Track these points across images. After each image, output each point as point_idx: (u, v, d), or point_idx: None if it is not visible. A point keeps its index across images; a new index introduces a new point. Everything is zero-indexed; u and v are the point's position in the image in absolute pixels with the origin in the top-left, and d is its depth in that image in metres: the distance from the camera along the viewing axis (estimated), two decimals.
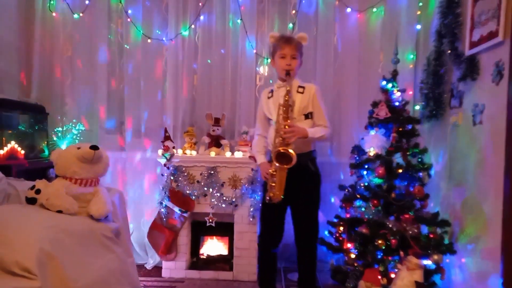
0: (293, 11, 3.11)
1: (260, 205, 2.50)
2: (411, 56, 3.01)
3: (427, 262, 2.28)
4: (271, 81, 3.22)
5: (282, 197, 2.20)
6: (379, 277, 2.30)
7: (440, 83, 2.55)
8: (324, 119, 2.33)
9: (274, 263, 2.51)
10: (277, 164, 2.13)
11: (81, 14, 3.15)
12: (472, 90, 2.26)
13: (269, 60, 3.16)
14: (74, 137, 3.05)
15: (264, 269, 2.50)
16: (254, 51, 3.14)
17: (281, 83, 2.36)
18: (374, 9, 3.05)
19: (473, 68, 2.21)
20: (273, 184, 2.20)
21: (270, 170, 2.21)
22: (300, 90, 2.31)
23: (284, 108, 2.18)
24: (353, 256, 2.44)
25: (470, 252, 2.23)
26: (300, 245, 2.42)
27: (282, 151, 2.12)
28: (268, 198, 2.25)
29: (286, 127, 2.15)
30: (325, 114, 2.34)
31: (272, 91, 2.41)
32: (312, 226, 2.40)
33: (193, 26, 3.16)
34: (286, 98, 2.18)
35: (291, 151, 2.10)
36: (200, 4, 3.13)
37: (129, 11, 3.17)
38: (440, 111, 2.58)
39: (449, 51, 2.41)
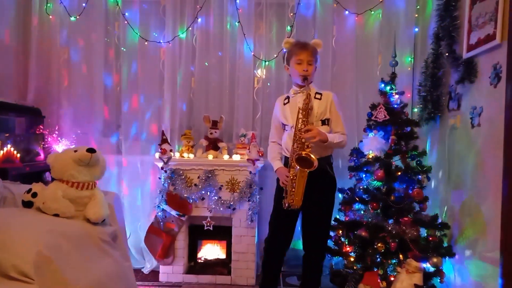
0: (291, 14, 3.11)
1: (273, 211, 2.44)
2: (409, 59, 3.03)
3: (426, 265, 2.27)
4: (268, 84, 3.22)
5: (301, 203, 2.16)
6: (379, 280, 2.29)
7: (438, 86, 2.56)
8: (342, 126, 2.34)
9: (279, 269, 2.46)
10: (297, 167, 2.10)
11: (78, 17, 3.13)
12: (470, 92, 2.27)
13: (267, 63, 3.17)
14: (70, 140, 3.03)
15: (268, 274, 2.45)
16: (252, 53, 3.14)
17: (297, 89, 2.34)
18: (372, 12, 3.06)
19: (471, 70, 2.22)
20: (293, 190, 2.16)
21: (290, 175, 2.18)
22: (318, 96, 2.30)
23: (304, 112, 2.17)
24: (352, 259, 2.43)
25: (469, 254, 2.22)
26: (310, 251, 2.36)
27: (303, 155, 2.09)
28: (287, 204, 2.20)
29: (306, 130, 2.12)
30: (342, 121, 2.35)
31: (288, 98, 2.39)
32: (325, 232, 2.36)
33: (190, 28, 3.16)
34: (307, 102, 2.17)
35: (312, 155, 2.08)
36: (198, 6, 3.13)
37: (126, 14, 3.16)
38: (439, 114, 2.59)
39: (447, 54, 2.42)
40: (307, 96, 2.18)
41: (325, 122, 2.31)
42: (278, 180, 2.38)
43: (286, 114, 2.35)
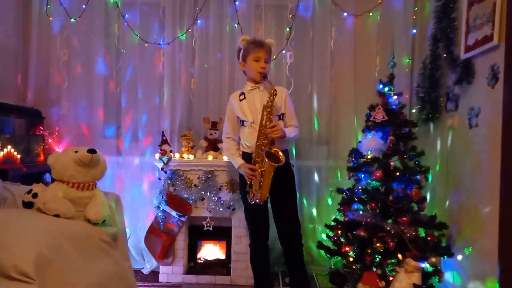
0: (290, 16, 3.13)
1: (244, 208, 2.54)
2: (407, 60, 3.04)
3: (425, 265, 2.28)
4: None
5: (268, 196, 2.28)
6: (378, 280, 2.30)
7: (436, 87, 2.57)
8: (295, 119, 2.50)
9: (268, 265, 2.53)
10: (266, 160, 2.20)
11: (77, 19, 3.14)
12: (468, 93, 2.28)
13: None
14: (70, 141, 3.04)
15: (259, 272, 2.51)
16: None
17: (253, 85, 2.46)
18: (370, 14, 3.08)
19: (469, 71, 2.24)
20: (261, 184, 2.25)
21: (257, 170, 2.26)
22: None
23: (269, 109, 2.27)
24: (351, 259, 2.44)
25: (467, 254, 2.23)
26: (287, 244, 2.48)
27: (273, 151, 2.22)
28: (254, 199, 2.30)
29: (272, 126, 2.24)
30: (294, 115, 2.50)
31: (243, 94, 2.48)
32: (296, 222, 2.48)
33: (190, 30, 3.17)
34: (272, 99, 2.28)
35: (280, 152, 2.22)
36: (197, 8, 3.14)
37: (126, 15, 3.17)
38: (436, 115, 2.60)
39: (445, 55, 2.43)
40: (271, 93, 2.28)
41: (280, 117, 2.44)
42: (241, 177, 2.49)
43: (244, 110, 2.44)
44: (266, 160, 2.20)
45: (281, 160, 2.21)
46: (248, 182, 2.35)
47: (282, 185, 2.38)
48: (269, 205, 2.55)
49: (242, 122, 2.47)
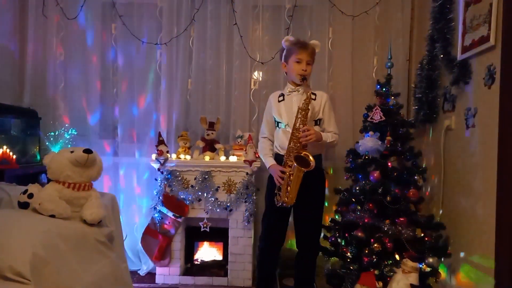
0: (287, 16, 3.13)
1: (266, 207, 2.46)
2: (405, 61, 3.05)
3: (422, 265, 2.28)
4: (265, 86, 3.23)
5: (295, 200, 2.18)
6: (375, 280, 2.30)
7: (433, 87, 2.58)
8: (335, 126, 2.39)
9: (274, 268, 2.49)
10: (295, 165, 2.12)
11: (74, 18, 3.13)
12: (465, 94, 2.29)
13: (263, 65, 3.18)
14: (67, 142, 3.02)
15: (264, 274, 2.46)
16: (249, 55, 3.15)
17: (293, 87, 2.37)
18: (368, 14, 3.08)
19: (465, 72, 2.25)
20: (288, 188, 2.18)
21: (287, 172, 2.20)
22: (313, 96, 2.32)
23: (304, 112, 2.19)
24: (348, 259, 2.44)
25: (464, 255, 2.24)
26: (303, 249, 2.39)
27: (302, 155, 2.13)
28: (281, 202, 2.22)
29: (305, 130, 2.16)
30: (334, 121, 2.40)
31: (283, 95, 2.41)
32: (317, 229, 2.40)
33: (187, 30, 3.16)
34: (307, 102, 2.19)
35: (310, 156, 2.11)
36: (195, 8, 3.14)
37: (123, 15, 3.16)
38: (434, 115, 2.60)
39: (442, 56, 2.44)
40: (307, 96, 2.20)
41: (317, 122, 2.36)
42: (269, 177, 2.41)
43: (280, 112, 2.38)
44: (295, 164, 2.13)
45: (311, 165, 2.10)
46: (277, 184, 2.29)
47: (309, 188, 2.26)
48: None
49: (277, 124, 2.41)
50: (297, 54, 2.29)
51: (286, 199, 2.19)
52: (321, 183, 2.39)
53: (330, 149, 2.96)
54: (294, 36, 2.45)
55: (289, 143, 2.23)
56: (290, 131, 2.24)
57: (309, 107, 2.21)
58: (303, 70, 2.27)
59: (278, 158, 2.37)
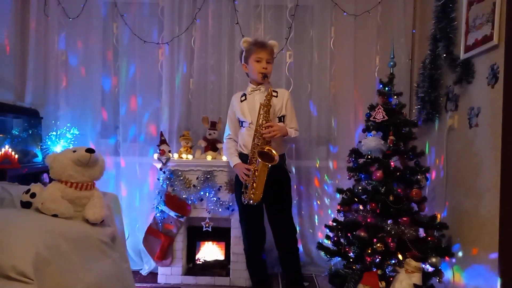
0: (289, 15, 3.12)
1: (238, 208, 2.52)
2: (407, 60, 3.04)
3: (425, 265, 2.27)
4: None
5: (261, 197, 2.26)
6: (378, 280, 2.29)
7: (436, 87, 2.57)
8: (296, 122, 2.49)
9: (264, 268, 2.52)
10: (259, 161, 2.18)
11: (76, 18, 3.12)
12: (468, 93, 2.28)
13: None
14: (68, 141, 3.02)
15: (256, 274, 2.50)
16: None
17: (254, 86, 2.46)
18: (370, 13, 3.08)
19: (468, 71, 2.24)
20: (254, 185, 2.23)
21: (251, 169, 2.25)
22: (274, 94, 2.39)
23: (265, 108, 2.26)
24: (351, 259, 2.43)
25: (467, 254, 2.23)
26: (282, 246, 2.47)
27: (265, 150, 2.20)
28: (247, 199, 2.28)
29: (266, 126, 2.23)
30: (295, 117, 2.49)
31: (245, 95, 2.48)
32: (291, 225, 2.48)
33: (189, 29, 3.16)
34: (269, 98, 2.27)
35: (273, 150, 2.20)
36: (197, 8, 3.13)
37: (124, 15, 3.16)
38: (436, 114, 2.60)
39: (445, 55, 2.43)
40: (269, 93, 2.27)
41: (281, 119, 2.43)
42: (236, 177, 2.49)
43: (244, 111, 2.44)
44: (259, 159, 2.18)
45: (275, 159, 2.18)
46: (243, 182, 2.34)
47: (277, 189, 2.37)
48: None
49: (241, 123, 2.46)
50: (256, 53, 2.38)
51: (252, 195, 2.25)
52: (286, 182, 2.48)
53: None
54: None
55: (253, 140, 2.29)
56: (254, 129, 2.30)
57: (271, 103, 2.28)
58: (263, 68, 2.36)
59: (242, 157, 2.43)
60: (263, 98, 2.32)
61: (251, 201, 2.28)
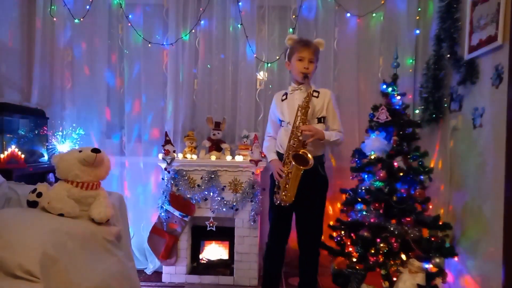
0: (293, 16, 3.13)
1: (269, 206, 2.45)
2: (411, 61, 3.04)
3: (429, 265, 2.27)
4: (270, 86, 3.24)
5: (293, 199, 2.18)
6: (381, 280, 2.30)
7: (439, 87, 2.57)
8: (339, 124, 2.36)
9: (279, 266, 2.49)
10: (293, 163, 2.10)
11: (81, 19, 3.15)
12: (472, 93, 2.28)
13: (269, 65, 3.19)
14: (74, 141, 3.04)
15: (268, 271, 2.47)
16: (255, 55, 3.16)
17: (295, 86, 2.37)
18: (374, 14, 3.09)
19: (473, 72, 2.24)
20: (286, 186, 2.18)
21: (285, 170, 2.19)
22: (315, 94, 2.31)
23: (303, 110, 2.19)
24: (354, 259, 2.43)
25: (471, 255, 2.23)
26: (304, 249, 2.39)
27: (300, 153, 2.13)
28: (279, 200, 2.22)
29: (304, 128, 2.15)
30: (339, 119, 2.37)
31: (286, 94, 2.42)
32: (318, 230, 2.39)
33: (193, 30, 3.18)
34: (307, 100, 2.19)
35: (309, 154, 2.11)
36: (201, 9, 3.15)
37: (130, 16, 3.18)
38: (440, 115, 2.60)
39: (448, 55, 2.43)
40: (308, 94, 2.20)
41: (321, 120, 2.34)
42: (271, 175, 2.41)
43: (283, 110, 2.39)
44: (293, 162, 2.11)
45: (309, 164, 2.09)
46: (276, 181, 2.29)
47: (310, 189, 2.26)
48: None
49: (280, 122, 2.42)
50: (299, 52, 2.29)
51: (284, 197, 2.19)
52: (320, 184, 2.36)
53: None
54: (298, 36, 2.44)
55: (289, 141, 2.22)
56: (291, 129, 2.24)
57: (310, 105, 2.20)
58: (305, 68, 2.27)
59: (279, 157, 2.37)
60: (302, 98, 2.24)
61: (283, 203, 2.22)
